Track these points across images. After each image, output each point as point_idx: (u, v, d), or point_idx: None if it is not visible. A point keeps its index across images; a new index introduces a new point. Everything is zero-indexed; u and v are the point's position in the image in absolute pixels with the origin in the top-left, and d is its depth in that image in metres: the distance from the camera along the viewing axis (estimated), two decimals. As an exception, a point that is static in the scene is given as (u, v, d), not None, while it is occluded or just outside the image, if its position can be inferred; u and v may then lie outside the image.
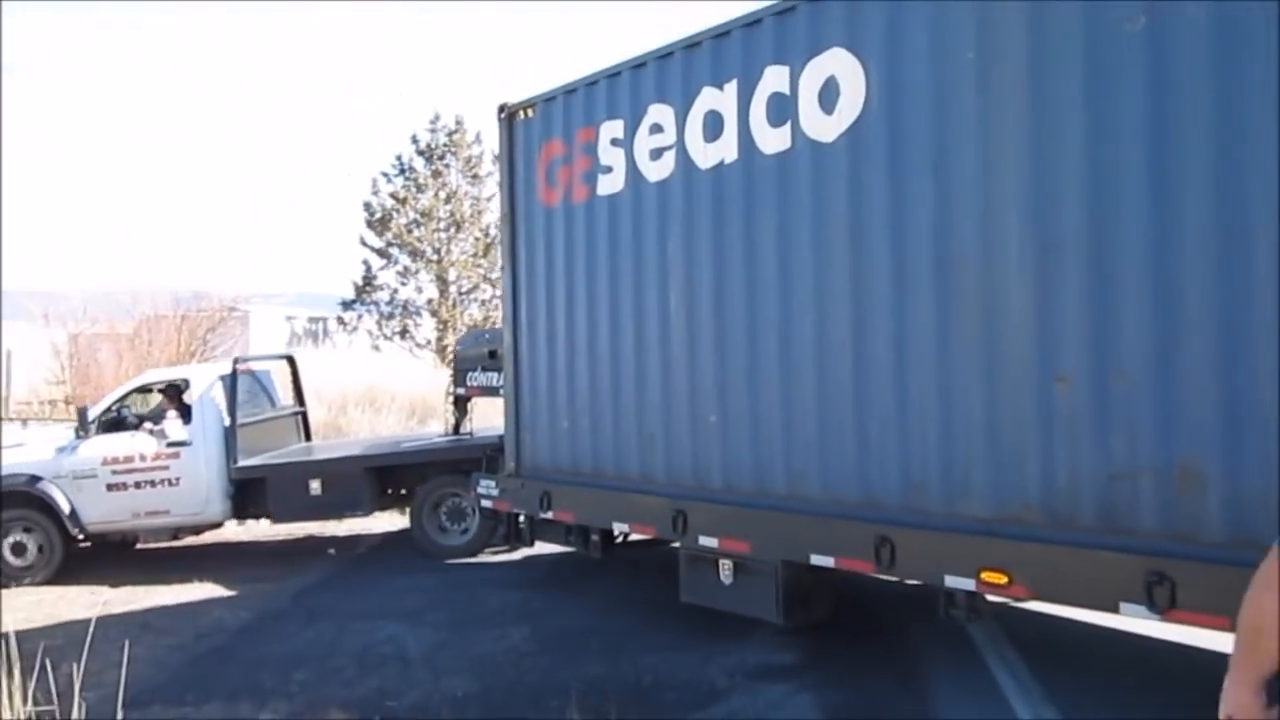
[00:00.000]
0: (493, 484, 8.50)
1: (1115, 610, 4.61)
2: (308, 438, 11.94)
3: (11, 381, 25.35)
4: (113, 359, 22.15)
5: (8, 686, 4.00)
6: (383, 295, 31.21)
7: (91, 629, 4.69)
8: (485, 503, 8.61)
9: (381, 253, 30.98)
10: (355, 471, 10.18)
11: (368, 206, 30.91)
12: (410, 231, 30.66)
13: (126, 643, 5.14)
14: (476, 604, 7.97)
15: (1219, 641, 3.05)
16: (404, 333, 31.09)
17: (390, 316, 31.12)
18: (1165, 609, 4.37)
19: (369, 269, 31.01)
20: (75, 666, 4.15)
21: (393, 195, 30.88)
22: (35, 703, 4.10)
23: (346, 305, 31.53)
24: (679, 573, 6.79)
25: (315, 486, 10.03)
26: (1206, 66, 4.28)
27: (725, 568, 6.35)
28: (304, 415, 11.98)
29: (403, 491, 10.40)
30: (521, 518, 8.47)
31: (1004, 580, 4.96)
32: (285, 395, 11.87)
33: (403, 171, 31.07)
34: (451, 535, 9.92)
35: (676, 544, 6.89)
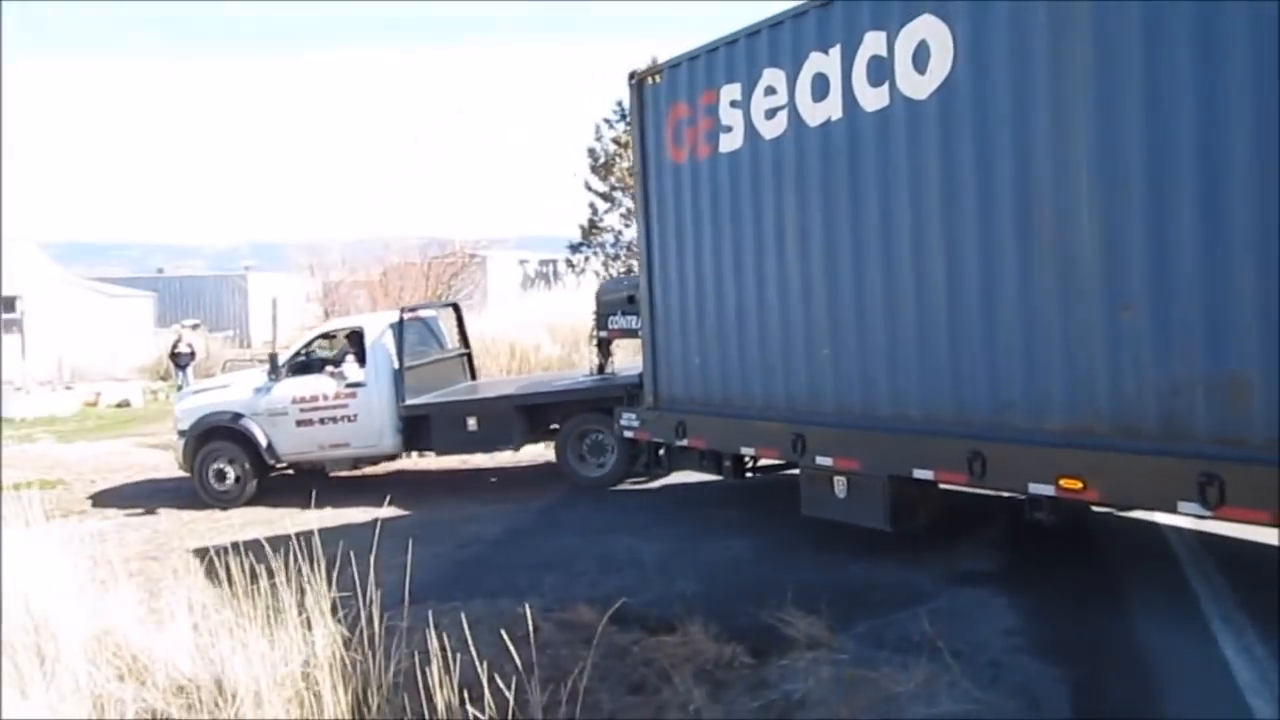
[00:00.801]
0: (634, 416, 9.44)
1: (1174, 509, 5.28)
2: (473, 377, 13.18)
3: (278, 326, 28.20)
4: (367, 303, 24.19)
5: (317, 576, 4.82)
6: (608, 237, 32.16)
7: (377, 536, 5.29)
8: (628, 433, 9.55)
9: (605, 196, 31.81)
10: (506, 409, 11.26)
11: (591, 152, 31.70)
12: (633, 175, 31.26)
13: (410, 541, 5.75)
14: (701, 519, 8.66)
15: None
16: (629, 272, 32.06)
17: (615, 258, 32.01)
18: (1216, 506, 5.00)
19: (595, 212, 31.94)
20: (361, 567, 4.84)
21: (615, 140, 31.68)
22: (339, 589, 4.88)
23: (574, 248, 32.57)
24: (802, 491, 7.61)
25: (472, 423, 11.20)
26: (1245, 34, 4.80)
27: (839, 484, 7.15)
28: (469, 357, 13.24)
29: (551, 427, 11.29)
30: (660, 447, 9.39)
31: (1079, 485, 5.65)
32: (452, 339, 13.12)
33: (624, 117, 31.83)
34: (591, 467, 10.81)
35: (796, 468, 7.71)
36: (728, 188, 8.06)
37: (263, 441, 11.25)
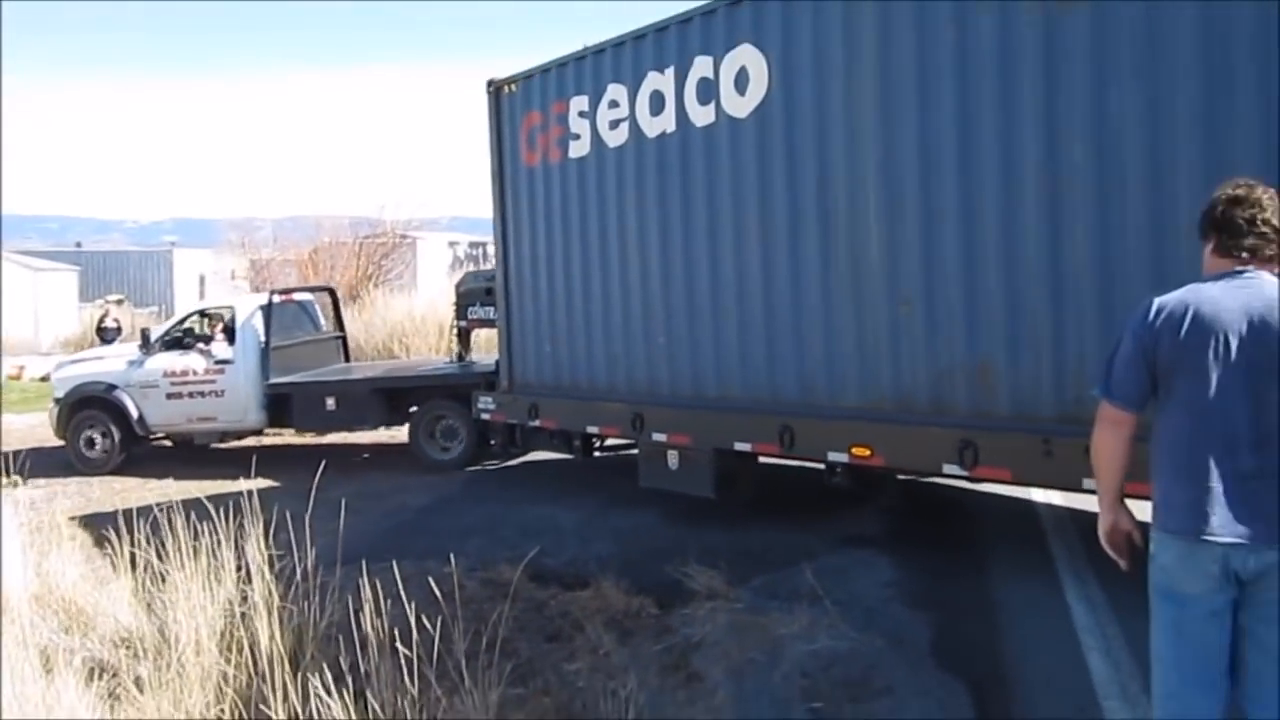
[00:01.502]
0: (490, 400, 10.16)
1: (939, 471, 6.32)
2: (345, 359, 13.76)
3: (205, 302, 27.97)
4: (298, 281, 24.10)
5: (256, 535, 5.25)
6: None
7: (311, 504, 5.60)
8: (485, 415, 10.25)
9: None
10: (364, 392, 11.89)
11: None
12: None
13: (343, 503, 6.02)
14: (617, 489, 9.08)
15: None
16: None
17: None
18: (971, 466, 6.05)
19: None
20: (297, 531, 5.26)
21: None
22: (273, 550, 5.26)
23: None
24: (638, 464, 8.47)
25: (331, 403, 11.82)
26: (993, 68, 5.84)
27: (672, 457, 8.02)
28: (343, 340, 13.86)
29: (410, 410, 11.81)
30: (515, 428, 10.14)
31: (868, 453, 6.65)
32: (328, 323, 13.74)
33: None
34: (441, 450, 11.34)
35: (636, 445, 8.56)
36: (576, 190, 8.84)
37: (134, 412, 11.76)
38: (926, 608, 5.88)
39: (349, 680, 4.17)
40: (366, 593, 4.54)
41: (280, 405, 11.94)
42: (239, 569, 5.19)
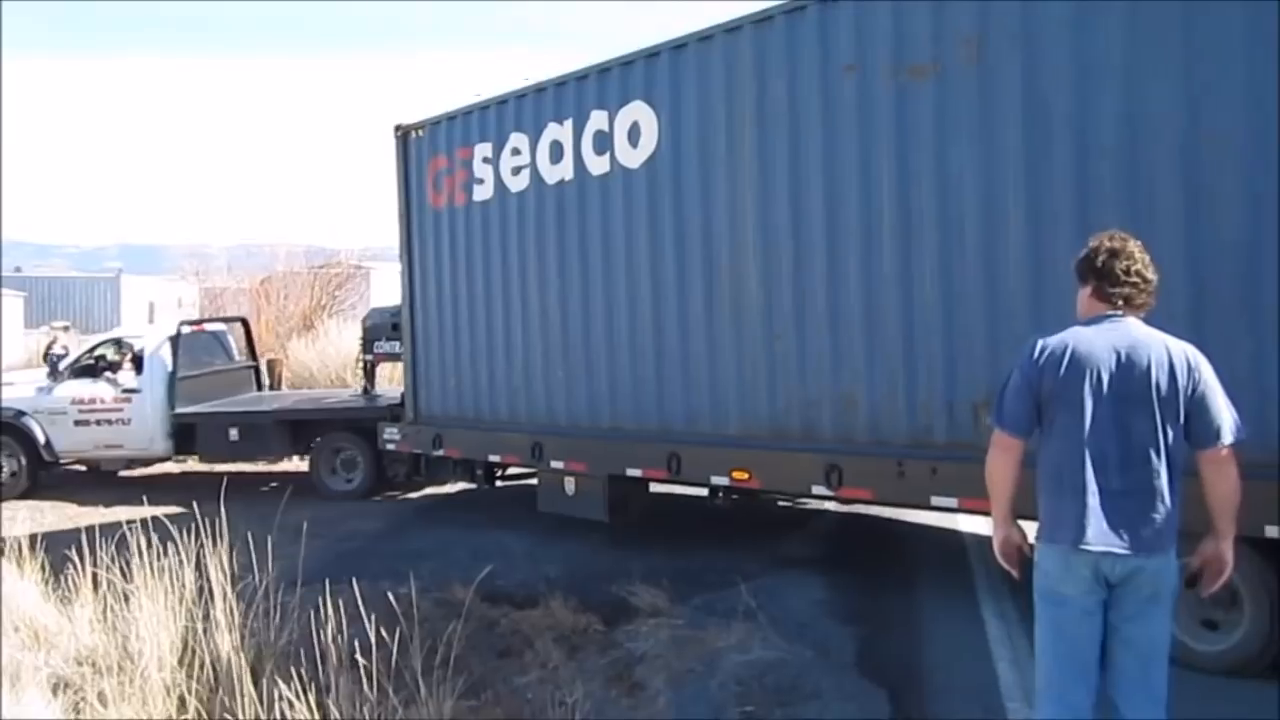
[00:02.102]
0: (395, 431, 10.54)
1: (809, 492, 6.95)
2: (258, 388, 13.98)
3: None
4: (251, 310, 23.84)
5: (219, 554, 5.36)
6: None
7: (275, 529, 5.81)
8: (390, 445, 10.62)
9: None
10: (267, 423, 12.13)
11: None
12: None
13: (305, 525, 6.13)
14: (563, 517, 9.01)
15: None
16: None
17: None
18: (837, 487, 6.68)
19: None
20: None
21: None
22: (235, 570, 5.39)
23: None
24: (536, 491, 8.95)
25: (234, 433, 12.05)
26: (853, 129, 6.54)
27: (569, 483, 8.52)
28: (256, 369, 14.10)
29: (315, 441, 11.99)
30: (420, 457, 10.52)
31: (747, 475, 7.25)
32: (241, 353, 14.02)
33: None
34: (342, 481, 11.55)
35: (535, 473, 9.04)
36: (480, 232, 9.35)
37: (41, 438, 11.91)
38: (853, 622, 6.34)
39: (309, 691, 4.33)
40: (324, 611, 4.76)
41: (186, 434, 12.13)
42: (199, 589, 5.39)
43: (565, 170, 8.48)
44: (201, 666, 4.92)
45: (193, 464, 13.29)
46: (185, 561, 5.47)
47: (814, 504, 8.99)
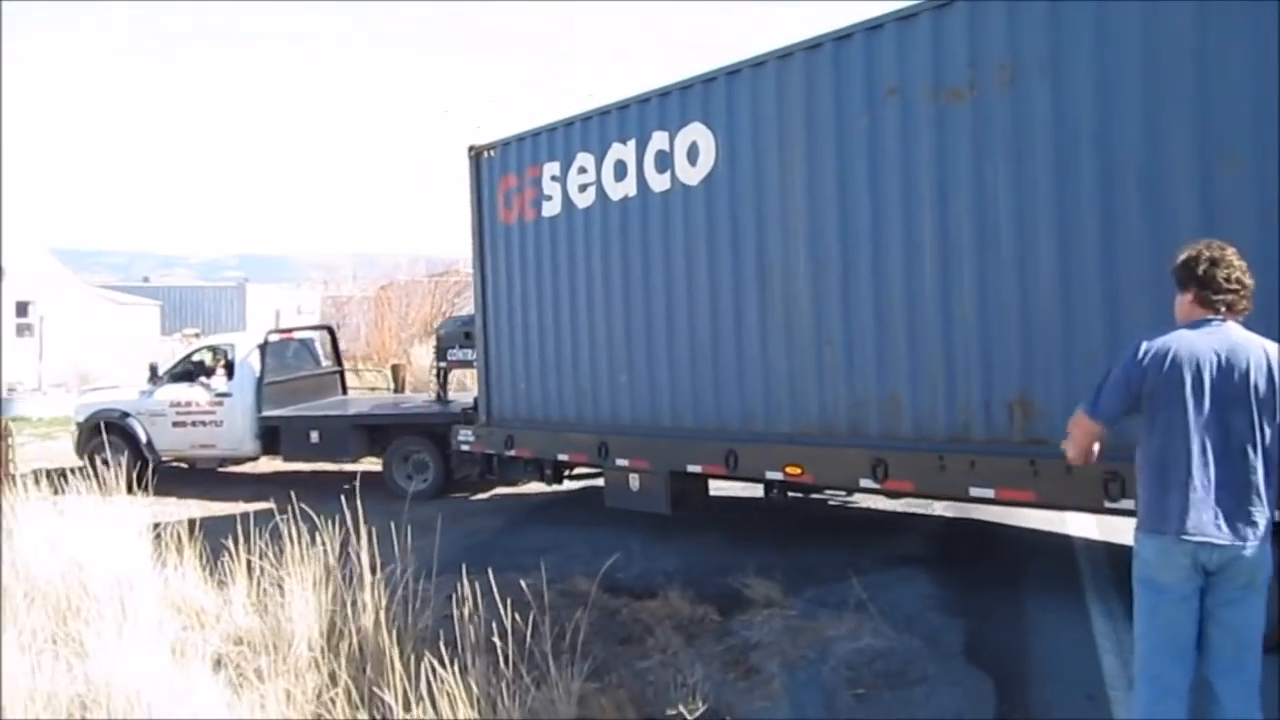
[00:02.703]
0: (470, 433, 11.20)
1: (857, 485, 7.45)
2: (343, 392, 14.97)
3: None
4: (375, 317, 25.16)
5: (362, 544, 5.73)
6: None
7: (406, 522, 6.19)
8: (464, 446, 11.27)
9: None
10: (344, 427, 12.91)
11: None
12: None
13: (439, 519, 6.69)
14: (673, 516, 9.32)
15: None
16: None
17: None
18: (882, 480, 7.18)
19: None
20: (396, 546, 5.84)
21: None
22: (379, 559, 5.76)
23: None
24: (605, 487, 9.55)
25: (315, 436, 12.87)
26: (896, 149, 7.05)
27: (634, 479, 9.11)
28: (341, 374, 15.10)
29: (389, 444, 12.73)
30: (493, 457, 11.17)
31: (799, 471, 7.78)
32: (327, 358, 14.98)
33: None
34: (414, 482, 12.17)
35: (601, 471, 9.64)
36: (548, 246, 9.98)
37: (143, 438, 12.90)
38: (960, 615, 6.55)
39: (452, 666, 4.61)
40: (459, 598, 5.14)
41: (272, 435, 13.01)
42: (344, 577, 5.84)
43: (629, 187, 9.07)
44: (349, 646, 5.29)
45: (278, 463, 14.10)
46: (330, 550, 5.95)
47: (919, 508, 9.36)
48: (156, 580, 6.37)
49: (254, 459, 13.55)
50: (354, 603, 5.51)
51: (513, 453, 10.54)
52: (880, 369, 7.25)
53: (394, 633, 5.18)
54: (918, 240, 6.98)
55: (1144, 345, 3.82)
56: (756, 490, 9.57)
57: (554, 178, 9.87)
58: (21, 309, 28.54)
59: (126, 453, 12.87)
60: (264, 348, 13.30)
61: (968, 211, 6.71)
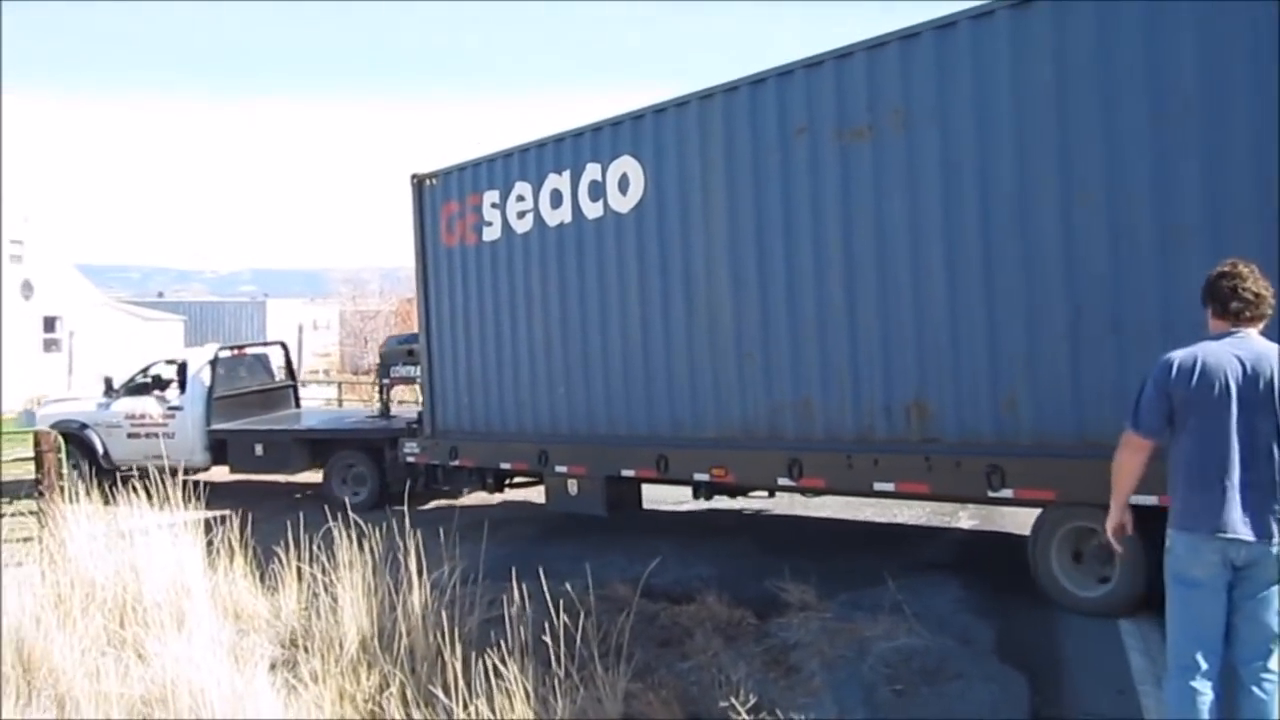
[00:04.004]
0: (415, 445, 11.81)
1: (775, 485, 8.28)
2: (296, 405, 15.55)
3: (303, 350, 29.73)
4: (398, 330, 25.46)
5: (414, 549, 6.04)
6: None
7: (456, 530, 6.84)
8: (409, 458, 11.86)
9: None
10: (286, 440, 13.45)
11: None
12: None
13: (486, 525, 7.09)
14: (710, 523, 10.17)
15: None
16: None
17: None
18: (798, 478, 8.01)
19: None
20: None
21: None
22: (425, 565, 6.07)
23: None
24: (545, 493, 10.26)
25: (259, 448, 13.40)
26: (806, 180, 7.91)
27: (572, 484, 9.83)
28: (294, 388, 15.72)
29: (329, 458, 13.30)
30: (437, 468, 11.80)
31: (724, 472, 8.58)
32: (281, 373, 15.60)
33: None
34: (353, 494, 12.60)
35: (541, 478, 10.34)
36: (489, 268, 10.68)
37: (99, 448, 13.29)
38: (991, 617, 6.74)
39: (508, 664, 4.83)
40: (504, 603, 5.46)
41: (222, 448, 13.53)
42: (394, 582, 6.11)
43: (565, 214, 9.83)
44: (399, 648, 5.50)
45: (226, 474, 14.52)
46: (378, 556, 6.26)
47: (942, 520, 9.71)
48: (209, 585, 6.68)
49: (205, 470, 13.99)
50: (403, 606, 5.78)
51: (457, 463, 11.19)
52: (795, 377, 8.09)
53: (448, 634, 5.31)
54: (826, 262, 7.84)
55: (1175, 360, 4.03)
56: (779, 502, 10.23)
57: (494, 205, 10.58)
58: (50, 324, 28.77)
59: (86, 463, 13.32)
60: (214, 363, 13.89)
61: (869, 236, 7.58)
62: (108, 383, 14.03)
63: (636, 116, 9.21)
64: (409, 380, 13.14)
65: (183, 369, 14.02)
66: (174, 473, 13.73)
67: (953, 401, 7.17)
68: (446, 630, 5.35)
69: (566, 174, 9.78)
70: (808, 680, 5.65)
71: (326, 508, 8.87)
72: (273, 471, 13.83)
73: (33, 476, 13.38)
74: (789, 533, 9.52)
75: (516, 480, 11.59)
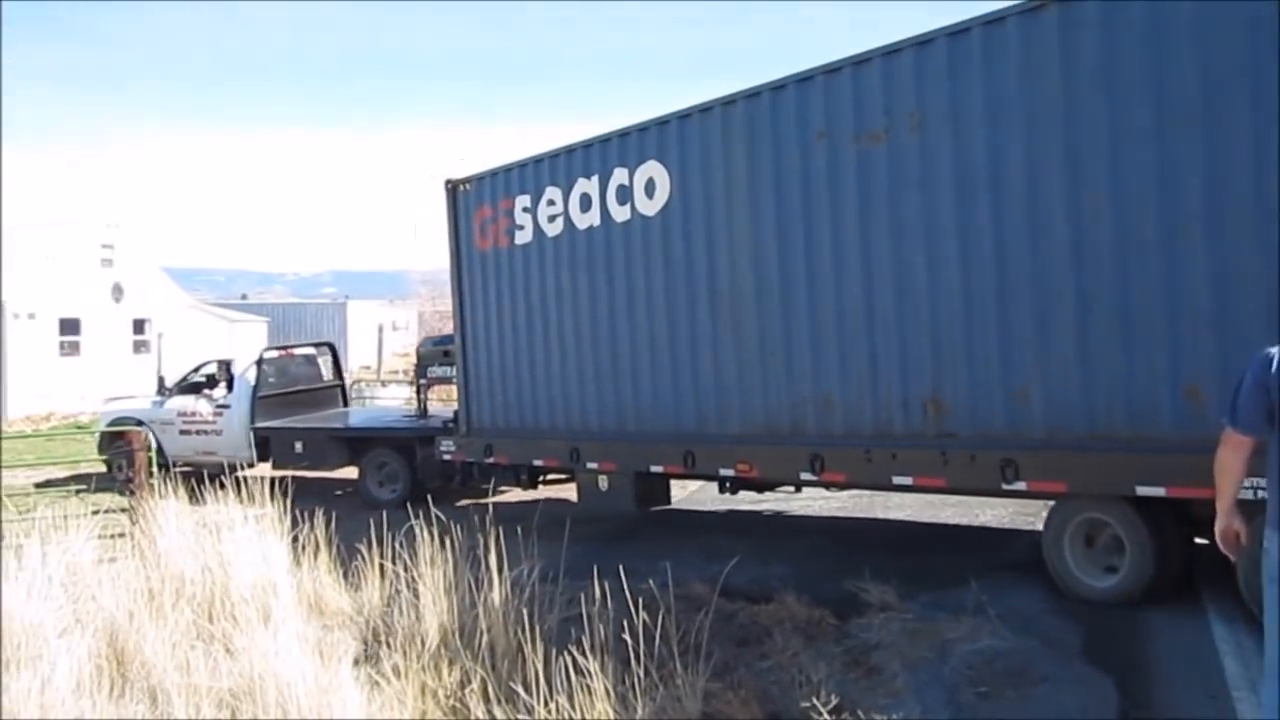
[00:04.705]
0: (451, 443, 12.14)
1: (798, 480, 8.51)
2: (345, 404, 16.13)
3: (383, 350, 31.17)
4: None
5: (495, 547, 6.15)
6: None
7: (536, 527, 6.88)
8: (446, 456, 12.21)
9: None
10: (323, 438, 13.88)
11: None
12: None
13: (567, 527, 6.97)
14: (787, 524, 10.23)
15: None
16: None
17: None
18: (820, 473, 8.25)
19: None
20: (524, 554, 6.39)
21: None
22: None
23: None
24: (576, 489, 10.56)
25: (298, 446, 13.81)
26: (824, 183, 8.14)
27: (603, 480, 10.12)
28: (342, 388, 16.26)
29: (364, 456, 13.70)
30: (473, 465, 12.12)
31: (748, 467, 8.84)
32: (328, 373, 16.20)
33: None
34: (385, 491, 12.94)
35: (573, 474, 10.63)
36: (521, 271, 10.99)
37: (154, 444, 13.74)
38: (1077, 618, 6.59)
39: (591, 660, 4.83)
40: (583, 600, 5.47)
41: (265, 445, 14.09)
42: (474, 579, 6.22)
43: (593, 218, 10.11)
44: (479, 645, 5.59)
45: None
46: (459, 553, 6.40)
47: (1029, 521, 9.16)
48: (293, 580, 6.88)
49: (251, 466, 14.47)
50: (484, 602, 5.89)
51: (491, 460, 11.52)
52: (816, 374, 8.32)
53: (528, 631, 5.37)
54: (844, 262, 8.07)
55: (1275, 354, 3.85)
56: (858, 504, 10.42)
57: (525, 209, 10.89)
58: (139, 326, 29.73)
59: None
60: (259, 363, 14.51)
61: (886, 236, 7.80)
62: (160, 382, 14.65)
63: (662, 122, 9.47)
64: (446, 380, 13.46)
65: (230, 368, 14.58)
66: (223, 469, 14.45)
67: (967, 397, 7.37)
68: (527, 627, 5.40)
69: (595, 178, 10.06)
70: (889, 681, 5.61)
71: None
72: (311, 468, 14.22)
73: (80, 472, 14.14)
74: (868, 533, 9.56)
75: (550, 477, 11.91)
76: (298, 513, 7.59)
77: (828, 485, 8.87)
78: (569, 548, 7.16)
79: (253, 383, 14.29)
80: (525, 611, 5.77)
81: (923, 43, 7.52)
